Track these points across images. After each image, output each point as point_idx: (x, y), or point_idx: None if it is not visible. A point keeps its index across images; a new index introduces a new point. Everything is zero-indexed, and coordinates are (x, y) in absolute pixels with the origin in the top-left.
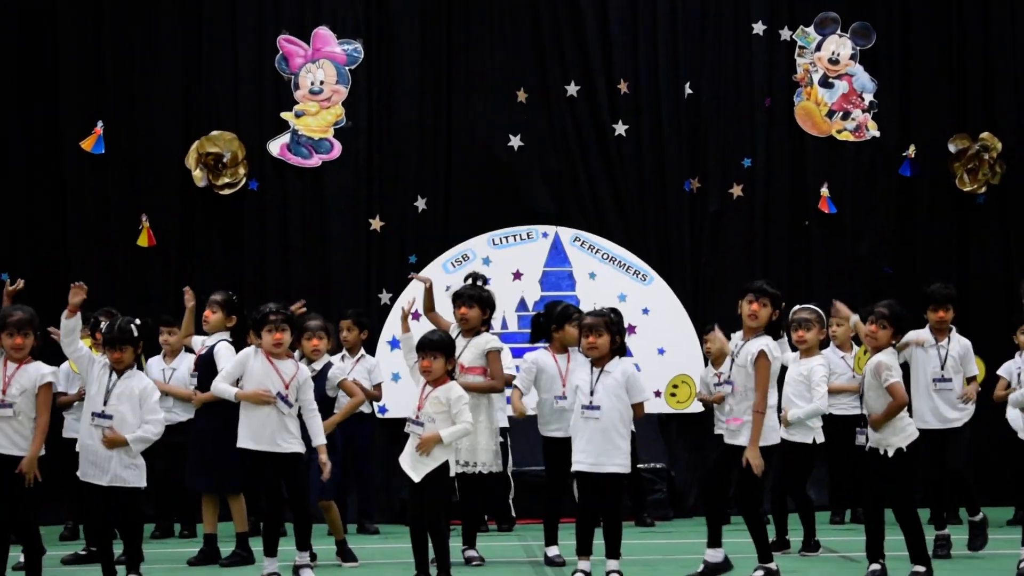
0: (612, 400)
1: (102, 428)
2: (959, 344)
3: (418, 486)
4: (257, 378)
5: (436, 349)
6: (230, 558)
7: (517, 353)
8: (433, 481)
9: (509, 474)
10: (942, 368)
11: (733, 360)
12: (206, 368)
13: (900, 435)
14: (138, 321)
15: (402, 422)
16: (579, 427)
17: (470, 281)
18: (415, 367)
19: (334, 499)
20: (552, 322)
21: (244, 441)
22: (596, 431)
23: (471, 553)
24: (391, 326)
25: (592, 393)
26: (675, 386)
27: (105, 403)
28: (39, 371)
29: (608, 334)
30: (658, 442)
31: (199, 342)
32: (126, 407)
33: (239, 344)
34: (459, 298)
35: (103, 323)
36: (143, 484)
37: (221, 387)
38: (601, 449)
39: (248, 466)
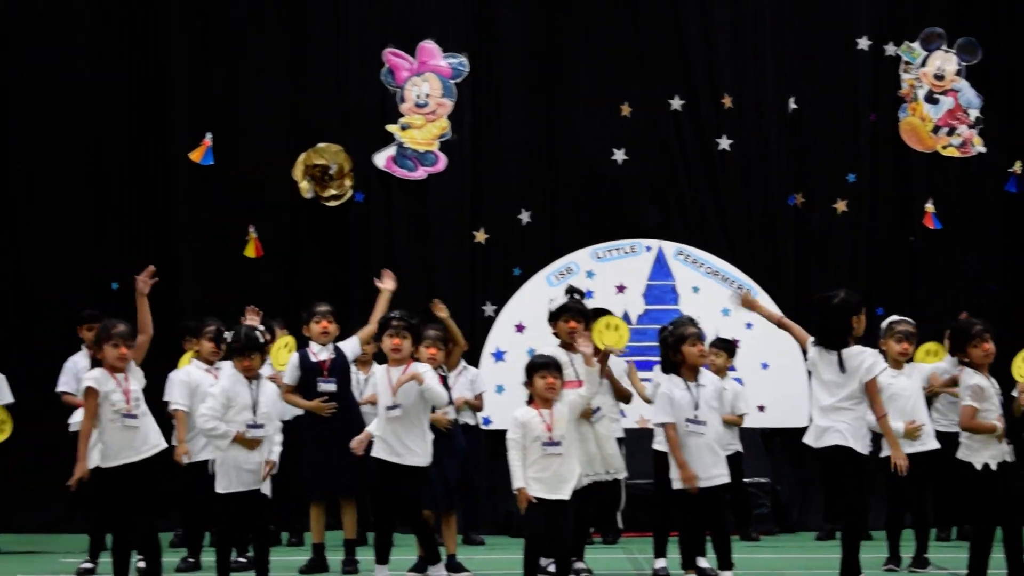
0: (713, 414)
1: (256, 438)
2: None
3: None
4: (377, 388)
5: None
6: (346, 565)
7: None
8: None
9: (623, 487)
10: None
11: None
12: (346, 374)
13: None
14: (262, 328)
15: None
16: (684, 443)
17: (571, 295)
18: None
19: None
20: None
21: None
22: (702, 445)
23: (580, 565)
24: (494, 338)
25: (696, 407)
26: None
27: (255, 413)
28: (140, 374)
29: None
30: (763, 457)
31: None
32: (272, 413)
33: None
34: (566, 311)
35: (226, 334)
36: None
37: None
38: (709, 463)
39: (376, 475)
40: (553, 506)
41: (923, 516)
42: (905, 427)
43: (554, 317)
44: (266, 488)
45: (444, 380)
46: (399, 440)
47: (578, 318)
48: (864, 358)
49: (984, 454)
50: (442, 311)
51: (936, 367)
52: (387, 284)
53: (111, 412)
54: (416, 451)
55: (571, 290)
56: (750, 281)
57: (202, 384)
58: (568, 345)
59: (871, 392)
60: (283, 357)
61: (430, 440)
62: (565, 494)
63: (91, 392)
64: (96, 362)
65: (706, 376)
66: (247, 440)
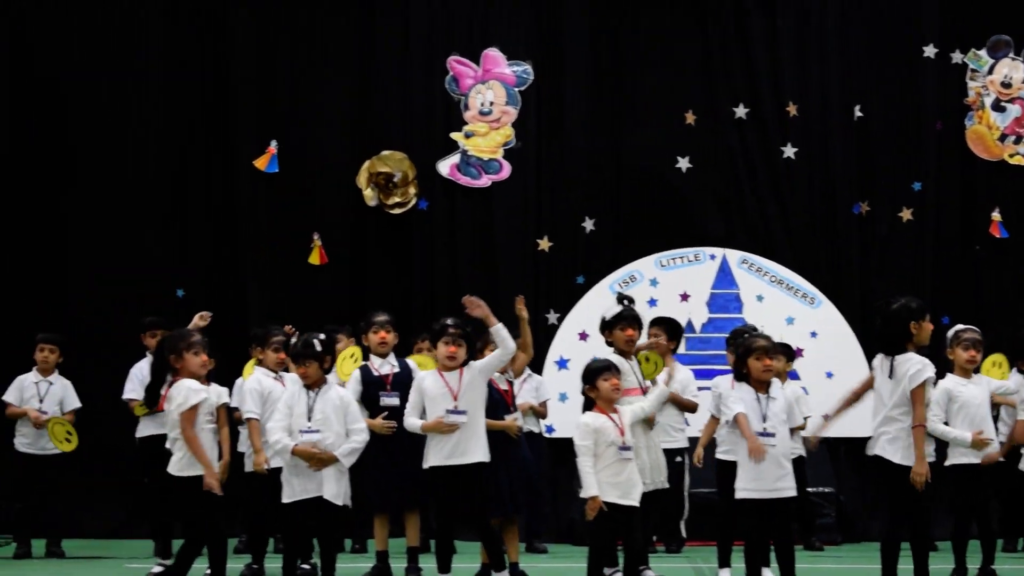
0: (783, 425)
1: (310, 444)
2: None
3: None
4: (433, 397)
5: None
6: (409, 573)
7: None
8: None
9: (686, 495)
10: None
11: None
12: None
13: None
14: (322, 336)
15: (569, 442)
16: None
17: (625, 303)
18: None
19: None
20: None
21: (430, 460)
22: (772, 457)
23: (649, 574)
24: (558, 346)
25: (765, 419)
26: None
27: (309, 419)
28: (218, 391)
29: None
30: (827, 466)
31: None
32: (332, 420)
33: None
34: (622, 320)
35: (293, 340)
36: (347, 502)
37: (411, 423)
38: (777, 475)
39: (436, 482)
40: (627, 512)
41: (988, 527)
42: (972, 437)
43: (609, 326)
44: (341, 497)
45: (510, 386)
46: (456, 443)
47: (635, 326)
48: (911, 364)
49: None
50: (524, 311)
51: (1001, 385)
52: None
53: (203, 420)
54: (475, 449)
55: (622, 298)
56: (815, 289)
57: (273, 391)
58: (625, 353)
59: (914, 399)
60: (348, 367)
61: (485, 438)
62: (636, 499)
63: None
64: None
65: (776, 388)
66: (306, 452)
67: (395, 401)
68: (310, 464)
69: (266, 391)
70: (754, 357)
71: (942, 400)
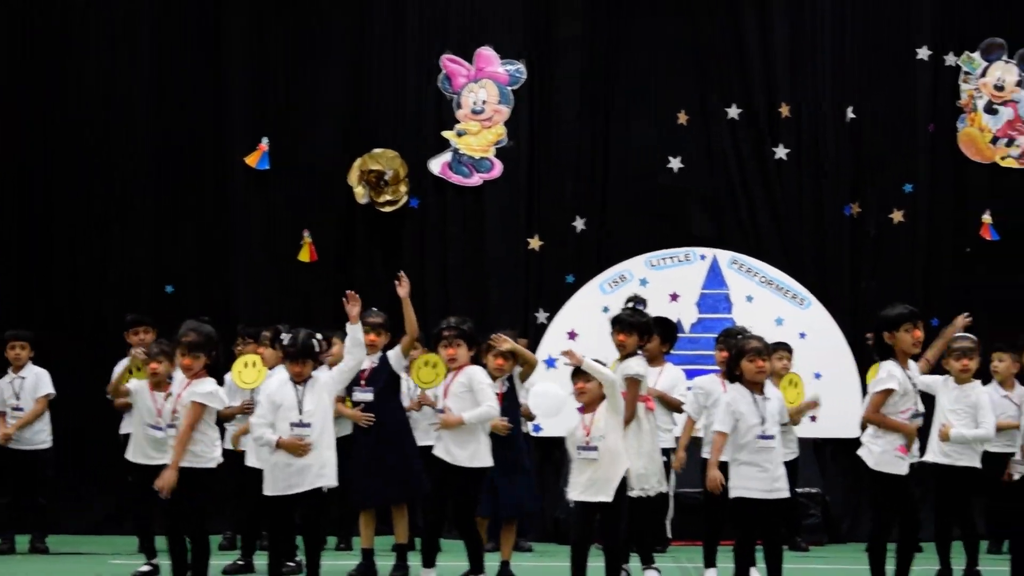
0: (778, 427)
1: (303, 437)
2: None
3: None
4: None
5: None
6: (396, 570)
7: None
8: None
9: (671, 495)
10: None
11: None
12: (387, 382)
13: None
14: (319, 336)
15: (556, 441)
16: (752, 455)
17: (631, 305)
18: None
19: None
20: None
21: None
22: (771, 458)
23: (651, 574)
24: (547, 345)
25: (763, 421)
26: None
27: (300, 412)
28: (197, 388)
29: (770, 357)
30: (813, 466)
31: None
32: (319, 416)
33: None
34: (617, 323)
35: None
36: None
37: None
38: (775, 476)
39: (436, 474)
40: (590, 509)
41: (971, 528)
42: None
43: (612, 326)
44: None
45: (505, 394)
46: (453, 443)
47: (628, 331)
48: (879, 371)
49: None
50: (505, 343)
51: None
52: (402, 290)
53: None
54: (469, 454)
55: (632, 299)
56: (804, 290)
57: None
58: (624, 358)
59: (871, 401)
60: (249, 376)
61: (485, 443)
62: (606, 496)
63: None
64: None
65: (770, 389)
66: (292, 445)
67: (368, 396)
68: (297, 455)
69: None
70: (747, 359)
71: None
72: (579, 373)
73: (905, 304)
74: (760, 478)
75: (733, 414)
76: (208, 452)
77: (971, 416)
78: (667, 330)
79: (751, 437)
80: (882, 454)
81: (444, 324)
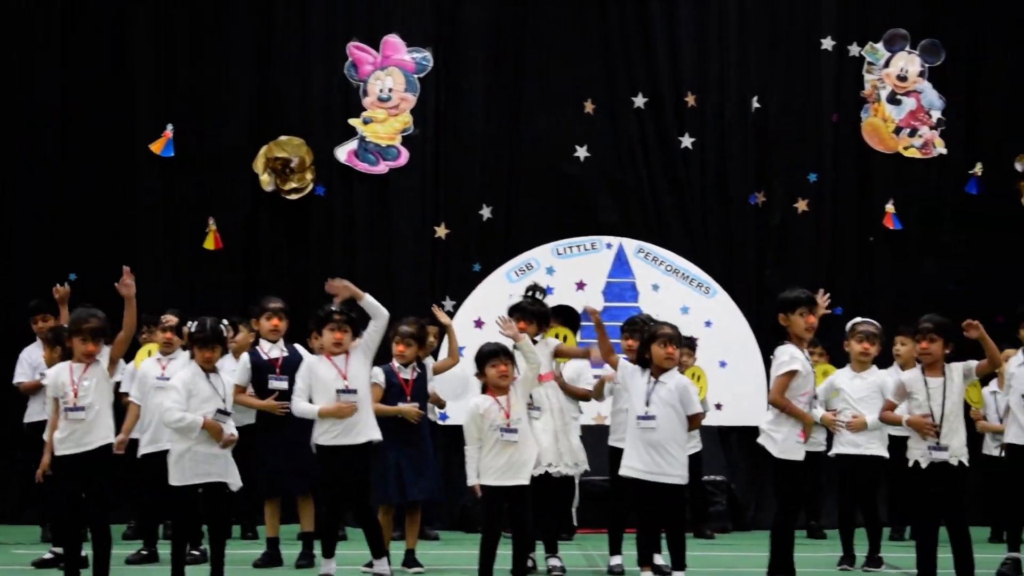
0: (667, 410)
1: (222, 424)
2: None
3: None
4: (324, 381)
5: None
6: (301, 559)
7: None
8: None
9: (576, 483)
10: None
11: None
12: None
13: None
14: (225, 322)
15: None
16: (634, 437)
17: (531, 294)
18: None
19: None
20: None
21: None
22: (650, 441)
23: (554, 562)
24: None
25: (648, 403)
26: None
27: (224, 401)
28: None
29: (681, 347)
30: (718, 455)
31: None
32: (231, 401)
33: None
34: (516, 311)
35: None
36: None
37: (303, 407)
38: (655, 459)
39: (322, 462)
40: (512, 492)
41: (875, 516)
42: (824, 416)
43: (510, 313)
44: (235, 483)
45: (414, 381)
46: (346, 423)
47: (529, 319)
48: (780, 355)
49: (914, 452)
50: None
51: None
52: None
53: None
54: (365, 429)
55: (533, 288)
56: (710, 279)
57: (149, 376)
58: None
59: (774, 384)
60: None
61: (373, 417)
62: (524, 479)
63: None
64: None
65: (670, 375)
66: (216, 427)
67: (283, 385)
68: (218, 440)
69: (142, 376)
70: (658, 344)
71: (823, 389)
72: (503, 355)
73: (804, 289)
74: (641, 459)
75: (622, 393)
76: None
77: (880, 401)
78: (570, 319)
79: (633, 417)
80: (784, 441)
81: (332, 308)
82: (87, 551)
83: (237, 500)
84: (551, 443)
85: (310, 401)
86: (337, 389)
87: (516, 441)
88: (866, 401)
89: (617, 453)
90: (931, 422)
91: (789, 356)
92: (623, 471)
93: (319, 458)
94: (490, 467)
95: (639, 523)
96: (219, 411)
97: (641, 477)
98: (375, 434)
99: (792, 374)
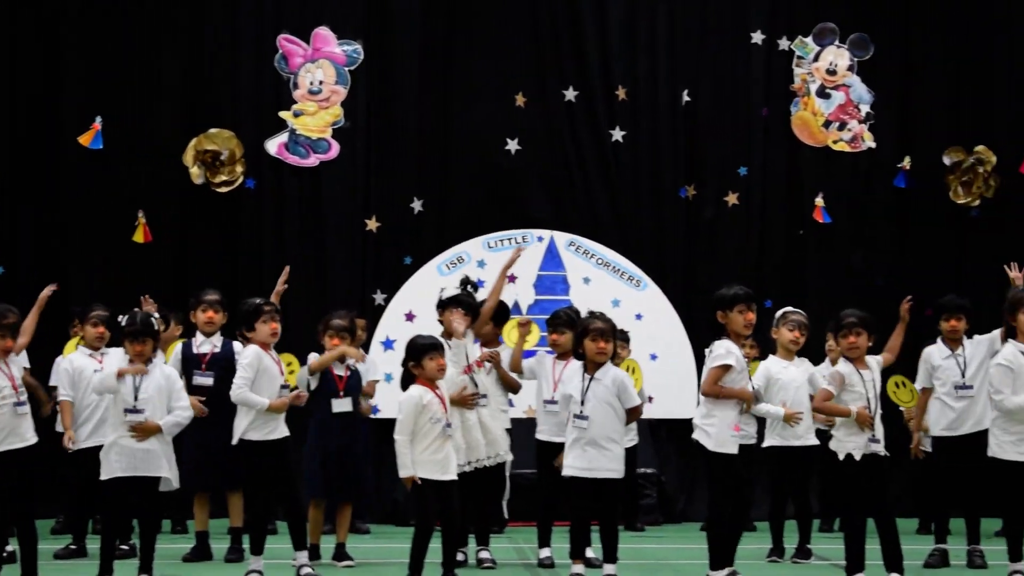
0: (603, 407)
1: (134, 422)
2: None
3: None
4: (271, 374)
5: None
6: (230, 553)
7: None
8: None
9: (507, 476)
10: (963, 376)
11: None
12: (227, 366)
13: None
14: (156, 315)
15: (394, 422)
16: (572, 434)
17: (464, 288)
18: None
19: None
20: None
21: (251, 433)
22: (587, 438)
23: (485, 554)
24: (385, 326)
25: (583, 402)
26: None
27: (136, 398)
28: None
29: (614, 340)
30: (649, 447)
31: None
32: (155, 398)
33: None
34: (456, 303)
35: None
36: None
37: (250, 397)
38: (593, 455)
39: (251, 458)
40: (446, 486)
41: (805, 507)
42: (786, 412)
43: (443, 307)
44: (174, 481)
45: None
46: (279, 418)
47: (468, 311)
48: (714, 347)
49: (847, 444)
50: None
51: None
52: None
53: None
54: (283, 425)
55: (465, 282)
56: (640, 272)
57: (86, 370)
58: (451, 336)
59: (708, 375)
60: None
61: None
62: (454, 474)
63: None
64: None
65: (605, 371)
66: (134, 427)
67: (208, 381)
68: (135, 435)
69: (78, 370)
70: (590, 338)
71: (761, 380)
72: (440, 349)
73: (742, 286)
74: (581, 457)
75: (564, 395)
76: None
77: (807, 390)
78: (500, 312)
79: (571, 416)
80: (719, 434)
81: (259, 300)
82: (14, 546)
83: (167, 495)
84: (482, 435)
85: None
86: (281, 385)
87: (451, 435)
88: (802, 390)
89: (544, 447)
90: (870, 414)
91: (725, 350)
92: (566, 471)
93: (247, 454)
94: (428, 461)
95: (572, 516)
96: (127, 410)
97: (579, 475)
98: (282, 432)
99: (726, 368)
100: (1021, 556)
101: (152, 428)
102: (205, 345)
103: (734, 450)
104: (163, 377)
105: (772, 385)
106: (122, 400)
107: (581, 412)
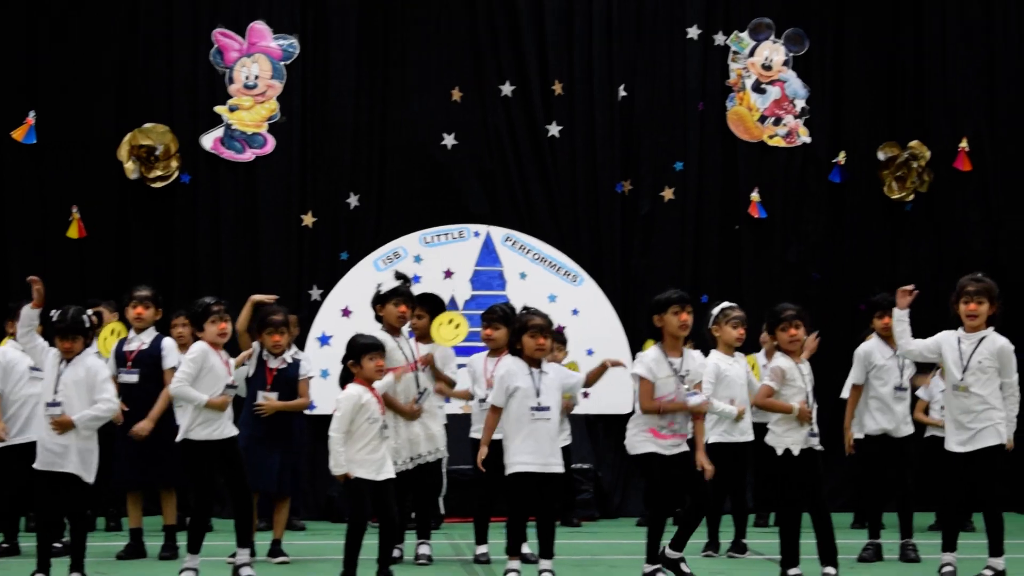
0: (555, 400)
1: (52, 416)
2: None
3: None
4: (217, 373)
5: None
6: (164, 551)
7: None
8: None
9: (443, 472)
10: (901, 376)
11: None
12: (152, 364)
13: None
14: (90, 312)
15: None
16: (527, 429)
17: (401, 282)
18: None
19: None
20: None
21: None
22: (546, 432)
23: (424, 549)
24: (320, 322)
25: (538, 394)
26: None
27: (55, 391)
28: None
29: (552, 336)
30: (585, 443)
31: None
32: (72, 392)
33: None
34: (398, 295)
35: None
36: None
37: (188, 392)
38: (551, 450)
39: (194, 457)
40: (383, 485)
41: (741, 502)
42: (739, 412)
43: (382, 300)
44: (89, 474)
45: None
46: (225, 417)
47: (410, 303)
48: (636, 359)
49: (786, 440)
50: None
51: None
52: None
53: None
54: (230, 424)
55: (399, 276)
56: (577, 267)
57: (19, 365)
58: (394, 329)
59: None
60: (112, 343)
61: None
62: (391, 473)
63: None
64: None
65: (550, 365)
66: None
67: (133, 378)
68: (54, 428)
69: (10, 364)
70: (529, 334)
71: (711, 377)
72: (380, 350)
73: (676, 288)
74: (535, 452)
75: (507, 389)
76: None
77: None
78: (435, 307)
79: (525, 410)
80: (633, 437)
81: (210, 300)
82: None
83: (101, 492)
84: (420, 431)
85: None
86: (227, 384)
87: (388, 436)
88: (747, 386)
89: (478, 445)
90: (808, 408)
91: (642, 364)
92: (517, 468)
93: (188, 453)
94: (365, 460)
95: (510, 512)
96: (48, 404)
97: (536, 471)
98: (235, 429)
99: (642, 380)
100: (955, 547)
101: (66, 422)
102: (134, 342)
103: (650, 450)
104: (84, 369)
105: (720, 382)
106: (44, 392)
107: (539, 404)
